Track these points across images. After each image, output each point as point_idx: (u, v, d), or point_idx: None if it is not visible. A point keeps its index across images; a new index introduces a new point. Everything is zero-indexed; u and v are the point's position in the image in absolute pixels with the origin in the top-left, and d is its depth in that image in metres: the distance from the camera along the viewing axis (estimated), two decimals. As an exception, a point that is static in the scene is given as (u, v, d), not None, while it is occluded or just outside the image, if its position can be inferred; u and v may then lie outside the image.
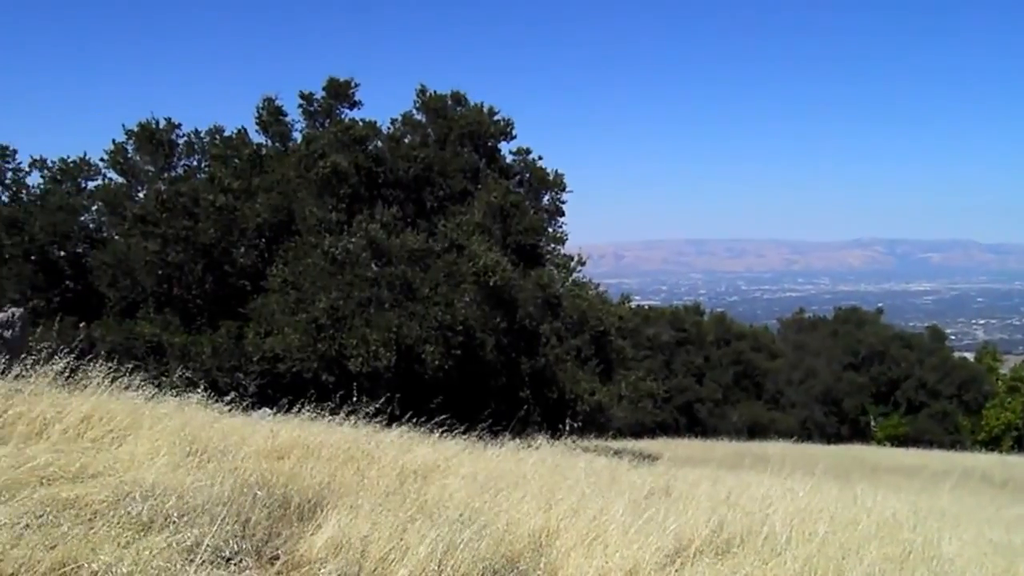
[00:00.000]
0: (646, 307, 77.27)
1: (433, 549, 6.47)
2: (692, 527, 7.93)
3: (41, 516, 5.47)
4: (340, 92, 29.41)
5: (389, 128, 29.47)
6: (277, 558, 6.11)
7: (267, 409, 14.76)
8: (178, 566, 5.13)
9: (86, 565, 4.92)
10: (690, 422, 62.66)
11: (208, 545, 5.55)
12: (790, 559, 7.17)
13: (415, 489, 9.29)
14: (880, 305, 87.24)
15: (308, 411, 12.92)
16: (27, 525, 5.18)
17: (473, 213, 25.47)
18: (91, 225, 28.25)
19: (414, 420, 13.79)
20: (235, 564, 5.52)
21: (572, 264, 28.62)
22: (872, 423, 68.59)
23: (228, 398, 12.93)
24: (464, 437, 15.14)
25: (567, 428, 19.03)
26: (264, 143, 29.75)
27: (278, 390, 19.68)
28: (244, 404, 13.19)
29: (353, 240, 22.27)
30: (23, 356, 11.08)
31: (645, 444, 38.65)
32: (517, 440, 16.08)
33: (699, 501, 10.35)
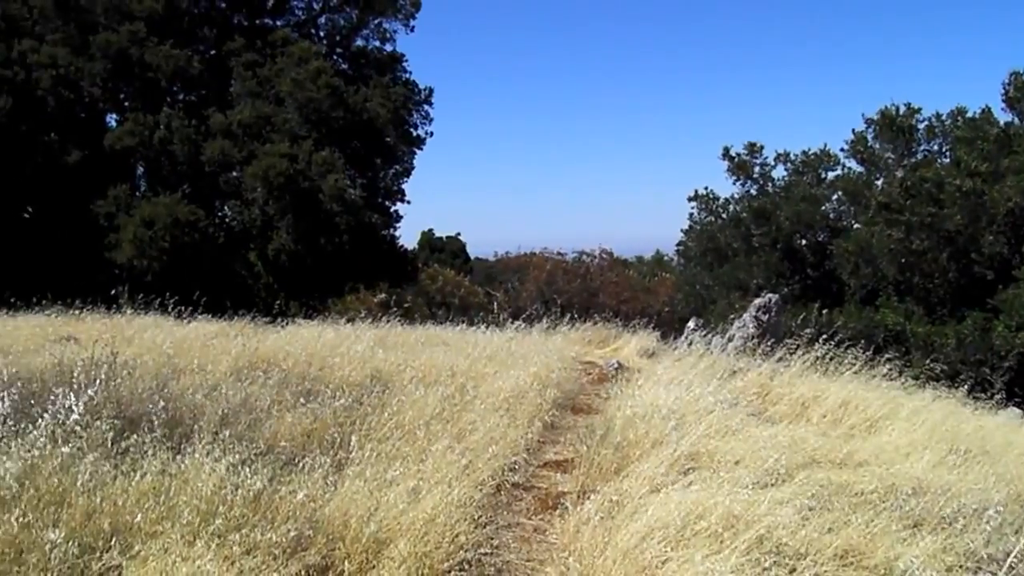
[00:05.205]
0: None
1: None
2: None
3: (817, 499, 5.54)
4: (1102, 57, 26.03)
5: None
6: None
7: (1016, 409, 13.69)
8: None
9: (868, 556, 4.84)
10: None
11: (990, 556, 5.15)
12: None
13: None
14: None
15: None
16: (810, 508, 5.27)
17: None
18: (831, 214, 28.85)
19: None
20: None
21: None
22: None
23: (976, 394, 12.20)
24: None
25: None
26: (1012, 121, 27.52)
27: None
28: (992, 401, 12.29)
29: None
30: (783, 338, 11.60)
31: None
32: None
33: None
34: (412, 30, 30.05)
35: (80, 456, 4.69)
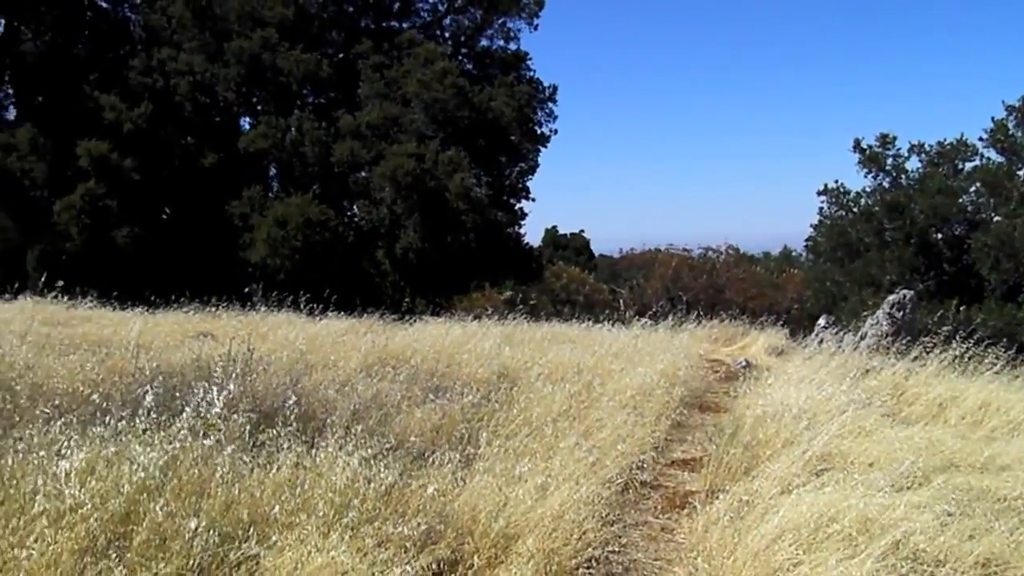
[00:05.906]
0: None
1: None
2: None
3: (957, 505, 5.34)
4: None
5: None
6: None
7: None
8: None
9: (1013, 566, 4.64)
10: None
11: None
12: None
13: None
14: None
15: None
16: (949, 513, 5.08)
17: None
18: (969, 207, 27.69)
19: None
20: None
21: None
22: None
23: None
24: None
25: None
26: None
27: None
28: None
29: None
30: (919, 336, 11.22)
31: None
32: None
33: None
34: (536, 28, 30.22)
35: (219, 449, 4.86)
